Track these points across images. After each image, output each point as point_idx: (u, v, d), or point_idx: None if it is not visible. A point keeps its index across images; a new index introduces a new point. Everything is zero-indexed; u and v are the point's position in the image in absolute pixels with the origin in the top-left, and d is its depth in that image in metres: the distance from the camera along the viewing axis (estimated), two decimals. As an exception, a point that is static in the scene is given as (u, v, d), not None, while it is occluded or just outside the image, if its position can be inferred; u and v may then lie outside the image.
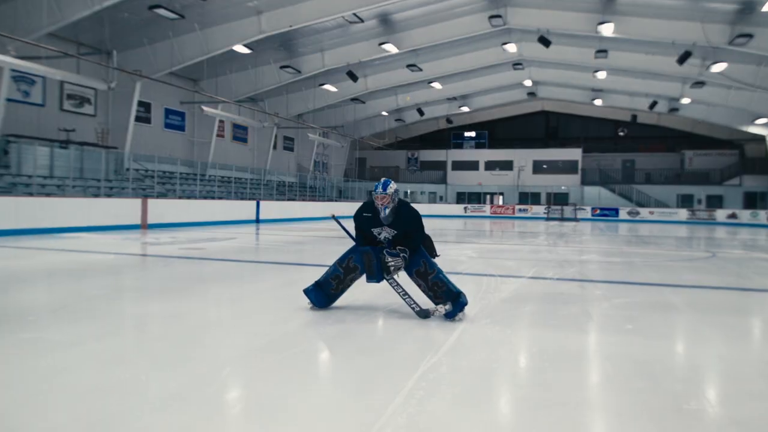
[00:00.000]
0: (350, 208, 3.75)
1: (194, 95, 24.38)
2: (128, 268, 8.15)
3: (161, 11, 17.38)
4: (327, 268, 4.83)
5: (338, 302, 4.91)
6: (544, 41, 21.41)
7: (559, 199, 38.51)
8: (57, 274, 7.23)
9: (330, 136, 35.28)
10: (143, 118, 22.97)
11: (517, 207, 36.42)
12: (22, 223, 12.71)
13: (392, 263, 4.55)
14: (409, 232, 4.63)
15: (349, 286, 4.81)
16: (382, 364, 3.43)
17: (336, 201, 34.48)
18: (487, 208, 36.94)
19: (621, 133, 42.12)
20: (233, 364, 3.35)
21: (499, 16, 21.06)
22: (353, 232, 4.85)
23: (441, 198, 42.31)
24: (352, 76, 25.30)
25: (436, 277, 4.59)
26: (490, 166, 41.75)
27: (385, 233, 4.61)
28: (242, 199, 24.64)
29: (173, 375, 3.11)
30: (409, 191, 42.32)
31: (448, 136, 44.25)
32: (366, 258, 4.58)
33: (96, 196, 17.17)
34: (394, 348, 3.84)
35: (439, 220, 29.89)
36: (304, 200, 30.05)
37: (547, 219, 32.82)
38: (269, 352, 3.60)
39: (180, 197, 20.93)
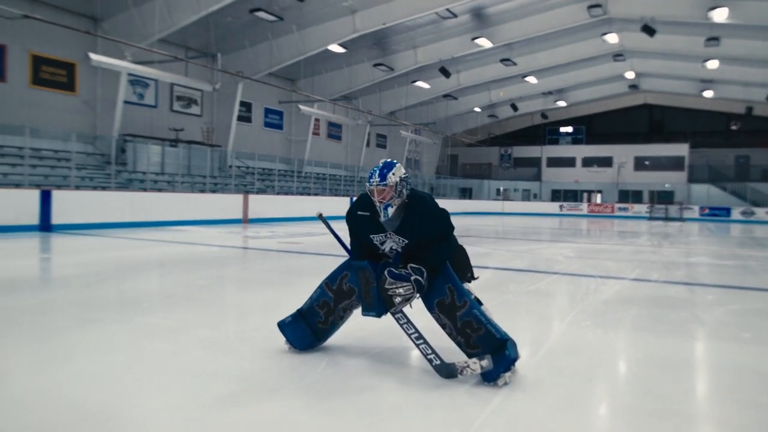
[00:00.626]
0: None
1: (292, 95, 25.23)
2: (231, 260, 8.57)
3: (261, 14, 18.24)
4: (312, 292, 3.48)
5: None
6: (649, 30, 20.26)
7: (662, 197, 36.35)
8: (168, 265, 7.73)
9: (422, 133, 35.32)
10: (244, 117, 24.07)
11: (617, 206, 34.79)
12: (136, 216, 13.73)
13: (398, 291, 2.99)
14: (427, 242, 3.05)
15: (342, 317, 3.37)
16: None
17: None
18: (584, 207, 35.58)
19: (734, 127, 39.03)
20: (329, 357, 3.41)
21: (598, 6, 20.22)
22: (349, 238, 3.44)
23: (535, 196, 41.19)
24: (445, 73, 25.20)
25: (468, 314, 2.97)
26: (588, 162, 40.11)
27: (391, 243, 3.11)
28: (336, 195, 25.21)
29: (272, 364, 3.22)
30: (502, 188, 41.56)
31: (543, 131, 42.99)
32: (362, 277, 3.10)
33: (202, 191, 18.21)
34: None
35: (533, 218, 29.23)
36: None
37: (650, 218, 31.06)
38: (364, 346, 3.64)
39: (278, 193, 21.76)
